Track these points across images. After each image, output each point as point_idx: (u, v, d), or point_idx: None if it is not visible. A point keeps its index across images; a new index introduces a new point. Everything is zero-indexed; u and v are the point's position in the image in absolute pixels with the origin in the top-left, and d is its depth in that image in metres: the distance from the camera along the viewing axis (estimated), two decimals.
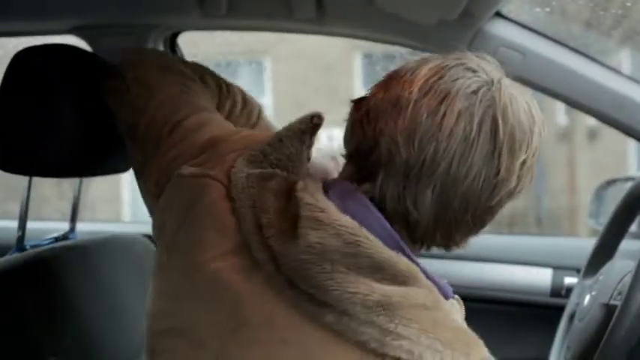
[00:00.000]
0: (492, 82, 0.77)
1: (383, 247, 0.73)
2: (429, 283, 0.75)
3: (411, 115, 0.75)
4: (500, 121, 0.75)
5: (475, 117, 0.74)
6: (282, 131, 0.83)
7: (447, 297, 0.79)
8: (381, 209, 0.77)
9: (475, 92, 0.75)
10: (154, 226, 0.88)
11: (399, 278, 0.73)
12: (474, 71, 0.78)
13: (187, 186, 0.83)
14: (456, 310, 0.80)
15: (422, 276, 0.75)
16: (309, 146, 0.81)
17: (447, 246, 0.81)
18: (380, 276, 0.72)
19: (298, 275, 0.72)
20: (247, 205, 0.78)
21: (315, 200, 0.74)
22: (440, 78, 0.76)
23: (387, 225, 0.76)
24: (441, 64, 0.78)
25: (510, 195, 0.78)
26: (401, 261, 0.73)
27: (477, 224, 0.79)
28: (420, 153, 0.74)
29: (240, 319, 0.74)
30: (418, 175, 0.74)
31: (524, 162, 0.77)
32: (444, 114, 0.74)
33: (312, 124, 0.81)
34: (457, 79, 0.76)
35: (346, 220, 0.73)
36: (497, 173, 0.75)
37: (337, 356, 0.71)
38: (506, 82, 0.79)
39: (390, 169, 0.76)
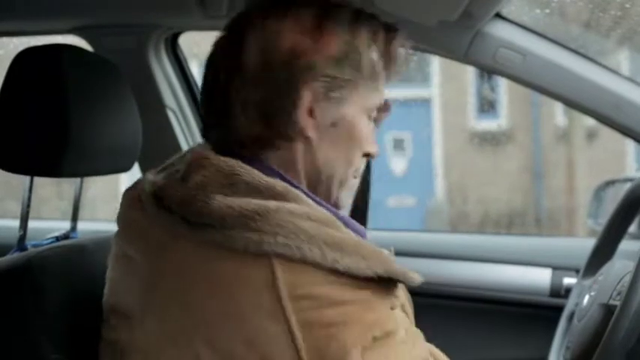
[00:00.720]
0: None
1: (259, 174, 0.80)
2: (317, 206, 0.81)
3: None
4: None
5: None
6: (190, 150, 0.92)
7: (360, 235, 0.83)
8: (221, 139, 0.86)
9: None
10: None
11: (277, 198, 0.78)
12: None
13: (122, 203, 0.90)
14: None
15: (308, 199, 0.80)
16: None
17: (281, 137, 0.84)
18: (258, 197, 0.78)
19: (187, 209, 0.78)
20: (150, 197, 0.83)
21: (200, 154, 0.83)
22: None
23: (262, 159, 0.84)
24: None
25: (296, 72, 0.82)
26: (277, 183, 0.79)
27: (269, 100, 0.83)
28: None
29: (155, 274, 0.80)
30: (223, 86, 0.85)
31: (294, 52, 0.82)
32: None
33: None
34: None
35: (225, 159, 0.81)
36: (270, 49, 0.83)
37: (221, 266, 0.76)
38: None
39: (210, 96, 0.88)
